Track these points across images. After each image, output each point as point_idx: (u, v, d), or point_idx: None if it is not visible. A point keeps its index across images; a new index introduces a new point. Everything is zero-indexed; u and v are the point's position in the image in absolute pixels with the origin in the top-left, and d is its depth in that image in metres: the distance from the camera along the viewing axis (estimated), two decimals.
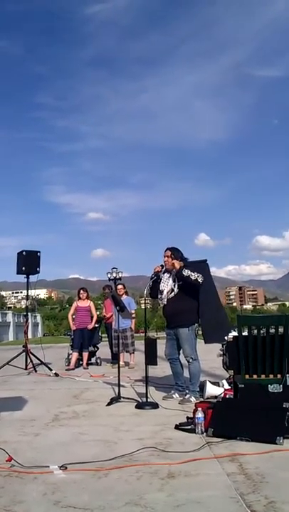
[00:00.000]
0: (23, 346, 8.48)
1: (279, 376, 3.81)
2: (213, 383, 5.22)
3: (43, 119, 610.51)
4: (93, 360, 9.64)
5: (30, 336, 8.90)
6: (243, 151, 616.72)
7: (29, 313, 9.48)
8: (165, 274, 5.45)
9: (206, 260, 5.59)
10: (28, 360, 8.32)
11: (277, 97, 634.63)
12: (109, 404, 4.99)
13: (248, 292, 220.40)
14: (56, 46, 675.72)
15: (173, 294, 5.32)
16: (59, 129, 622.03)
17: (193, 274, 5.12)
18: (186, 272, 5.14)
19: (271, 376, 3.82)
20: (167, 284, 5.39)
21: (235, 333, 4.19)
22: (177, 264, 5.26)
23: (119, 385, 5.33)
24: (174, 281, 5.32)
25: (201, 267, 5.41)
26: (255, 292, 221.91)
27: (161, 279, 5.45)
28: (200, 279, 5.13)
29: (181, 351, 5.35)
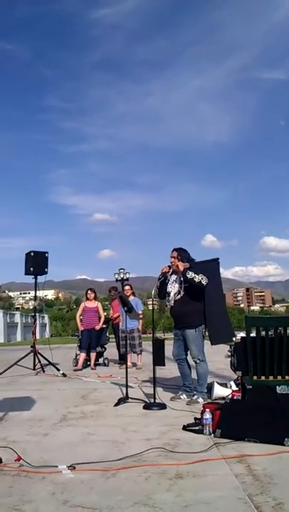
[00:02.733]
0: (31, 347, 8.53)
1: (287, 377, 3.79)
2: (221, 384, 5.21)
3: (51, 121, 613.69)
4: (101, 360, 9.67)
5: (38, 336, 8.92)
6: (248, 153, 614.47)
7: (37, 314, 9.53)
8: (172, 275, 5.45)
9: (217, 259, 5.56)
10: (36, 361, 8.37)
11: (282, 99, 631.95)
12: (117, 404, 5.00)
13: (256, 293, 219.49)
14: (64, 50, 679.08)
15: (180, 295, 5.32)
16: (66, 131, 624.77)
17: (197, 276, 5.11)
18: (190, 274, 5.13)
19: (279, 377, 3.80)
20: (174, 286, 5.39)
21: (243, 334, 4.18)
22: (181, 266, 5.25)
23: (126, 386, 5.34)
24: (180, 282, 5.32)
25: (210, 266, 5.40)
26: (263, 293, 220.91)
27: (168, 280, 5.45)
28: (204, 282, 5.12)
29: (188, 352, 5.35)
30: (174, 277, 5.44)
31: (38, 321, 9.91)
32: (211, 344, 5.31)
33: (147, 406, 4.83)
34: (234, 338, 4.46)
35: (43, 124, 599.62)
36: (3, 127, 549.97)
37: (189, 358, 5.38)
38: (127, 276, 10.79)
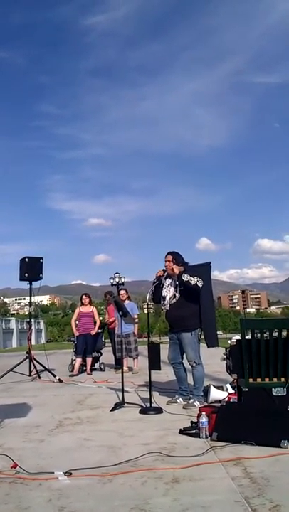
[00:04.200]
0: (27, 353, 8.50)
1: (283, 379, 3.80)
2: (217, 387, 5.21)
3: (45, 127, 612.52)
4: (97, 365, 9.64)
5: (33, 342, 8.91)
6: (243, 157, 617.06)
7: (32, 320, 9.51)
8: (167, 279, 5.46)
9: (209, 263, 5.59)
10: (32, 367, 8.33)
11: (276, 103, 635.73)
12: (113, 409, 4.99)
13: (251, 296, 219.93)
14: (58, 56, 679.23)
15: (175, 299, 5.33)
16: (61, 137, 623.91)
17: (192, 278, 5.13)
18: (186, 277, 5.15)
19: (275, 380, 3.81)
20: (169, 290, 5.40)
21: (238, 337, 4.19)
22: (176, 269, 5.27)
23: (123, 391, 5.33)
24: (175, 286, 5.33)
25: (202, 270, 5.42)
26: (259, 296, 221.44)
27: (163, 284, 5.46)
28: (200, 284, 5.14)
29: (184, 355, 5.36)
30: (168, 281, 5.45)
31: (33, 327, 9.89)
32: (208, 347, 5.32)
33: (144, 410, 4.82)
34: (229, 341, 4.46)
35: (38, 131, 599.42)
36: None
37: (185, 361, 5.39)
38: (123, 280, 10.79)
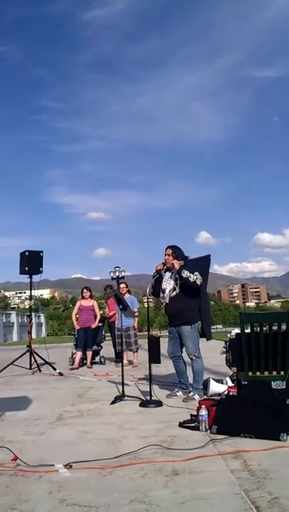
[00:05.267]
0: (27, 346, 8.53)
1: (282, 373, 3.81)
2: (217, 381, 5.23)
3: (45, 121, 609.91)
4: (97, 359, 9.67)
5: (34, 335, 8.94)
6: (242, 151, 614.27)
7: (33, 314, 9.52)
8: (167, 272, 5.46)
9: (208, 256, 5.59)
10: (33, 360, 8.36)
11: (274, 97, 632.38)
12: (113, 402, 5.01)
13: (251, 290, 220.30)
14: (56, 51, 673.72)
15: (175, 292, 5.33)
16: (60, 131, 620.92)
17: (192, 275, 5.13)
18: (185, 274, 5.15)
19: (274, 373, 3.81)
20: (169, 283, 5.40)
21: (238, 331, 4.19)
22: (176, 264, 5.27)
23: (123, 384, 5.35)
24: (175, 280, 5.33)
25: (202, 263, 5.42)
26: (258, 290, 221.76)
27: (163, 278, 5.46)
28: (198, 281, 5.15)
29: (184, 349, 5.37)
30: (168, 274, 5.45)
31: (33, 321, 9.91)
32: (207, 340, 5.33)
33: (143, 403, 4.84)
34: (229, 335, 4.47)
35: (37, 125, 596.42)
36: None
37: (184, 354, 5.40)
38: (123, 274, 10.75)
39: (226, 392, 4.55)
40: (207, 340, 5.35)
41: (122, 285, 9.46)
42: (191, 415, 3.97)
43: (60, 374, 7.80)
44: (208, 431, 3.58)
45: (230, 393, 4.42)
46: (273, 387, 3.76)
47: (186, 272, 5.15)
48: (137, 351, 9.05)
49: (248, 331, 3.92)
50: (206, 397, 4.83)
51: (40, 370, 8.22)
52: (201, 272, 5.20)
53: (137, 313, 9.36)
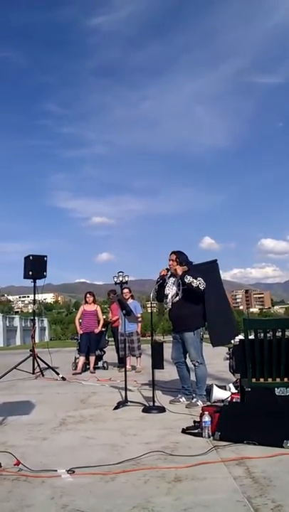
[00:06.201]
0: (31, 350, 8.52)
1: (286, 379, 3.80)
2: (220, 387, 5.21)
3: (50, 126, 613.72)
4: (100, 364, 9.64)
5: (37, 340, 8.94)
6: (245, 156, 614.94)
7: (36, 318, 9.53)
8: (171, 278, 5.46)
9: (215, 260, 5.59)
10: (36, 365, 8.36)
11: (277, 103, 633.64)
12: (116, 408, 5.00)
13: (255, 295, 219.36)
14: (62, 57, 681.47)
15: (178, 298, 5.33)
16: (64, 136, 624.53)
17: (194, 281, 5.12)
18: (188, 279, 5.14)
19: (278, 379, 3.80)
20: (172, 288, 5.40)
21: (241, 337, 4.18)
22: (179, 270, 5.26)
23: (126, 389, 5.34)
24: (178, 285, 5.33)
25: (208, 268, 5.42)
26: (262, 295, 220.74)
27: (166, 283, 5.46)
28: (201, 287, 5.14)
29: (187, 355, 5.36)
30: (172, 280, 5.45)
31: (37, 325, 9.91)
32: (213, 346, 5.31)
33: (146, 409, 4.83)
34: (232, 341, 4.46)
35: (42, 130, 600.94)
36: (3, 133, 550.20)
37: (188, 360, 5.39)
38: (126, 279, 10.71)
39: (229, 399, 4.53)
40: (214, 346, 5.29)
41: (126, 290, 9.43)
42: (194, 421, 3.96)
43: (63, 379, 7.79)
44: (211, 437, 3.57)
45: (234, 400, 4.40)
46: (277, 393, 3.74)
47: (188, 277, 5.15)
48: (140, 356, 9.02)
49: (251, 337, 3.91)
50: (209, 403, 4.81)
51: (43, 375, 8.22)
52: (207, 277, 5.19)
53: (140, 319, 9.34)
